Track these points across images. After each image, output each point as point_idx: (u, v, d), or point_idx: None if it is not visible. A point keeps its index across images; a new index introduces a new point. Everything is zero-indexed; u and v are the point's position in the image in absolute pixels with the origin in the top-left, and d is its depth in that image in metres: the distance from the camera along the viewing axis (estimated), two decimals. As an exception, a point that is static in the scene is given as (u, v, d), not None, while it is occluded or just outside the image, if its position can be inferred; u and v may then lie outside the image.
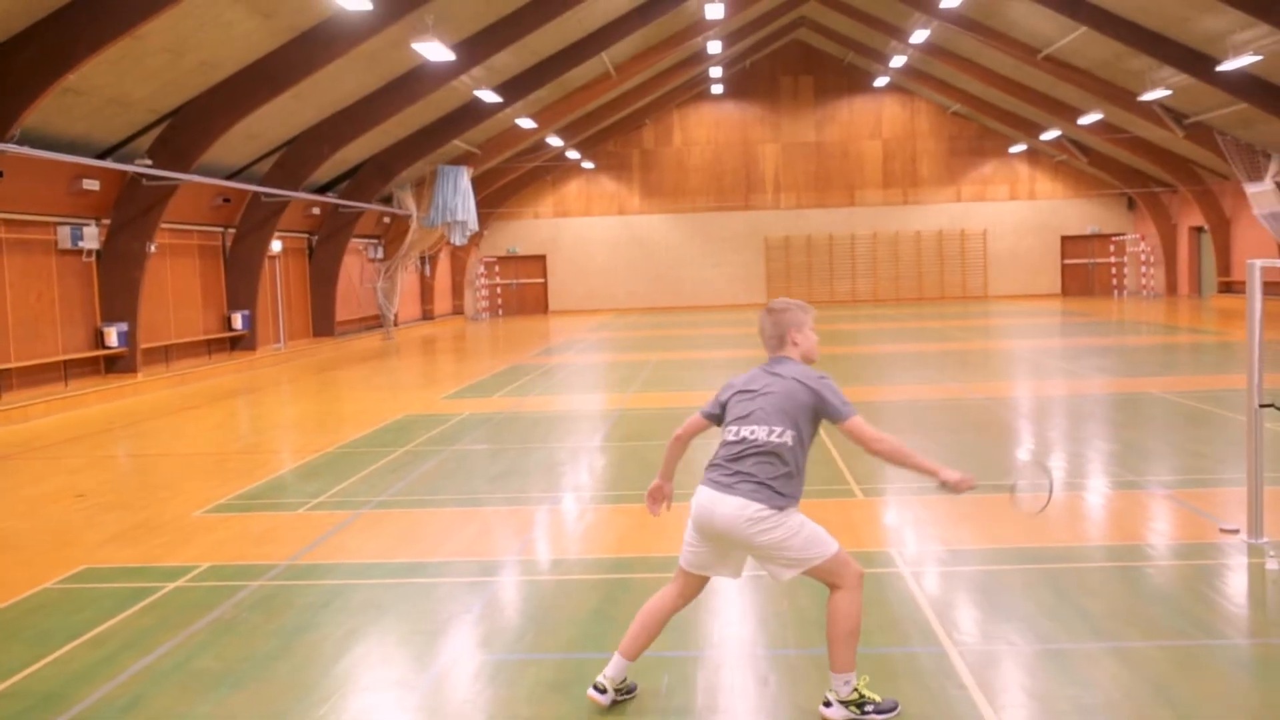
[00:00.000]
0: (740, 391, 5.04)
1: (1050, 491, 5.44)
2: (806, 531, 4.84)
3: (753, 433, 4.86)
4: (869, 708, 4.89)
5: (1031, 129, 40.73)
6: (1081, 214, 45.12)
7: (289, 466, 12.06)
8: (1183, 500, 9.02)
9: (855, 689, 4.90)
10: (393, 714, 5.23)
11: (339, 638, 6.25)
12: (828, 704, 4.94)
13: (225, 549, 8.37)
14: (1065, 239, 45.33)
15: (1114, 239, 44.89)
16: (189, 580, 7.52)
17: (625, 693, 5.20)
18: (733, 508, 4.80)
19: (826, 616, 4.93)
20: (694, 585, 5.16)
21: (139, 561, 8.08)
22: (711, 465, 4.98)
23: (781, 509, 4.79)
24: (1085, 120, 34.26)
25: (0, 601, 7.12)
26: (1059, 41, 29.04)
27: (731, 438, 4.95)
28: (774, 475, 4.80)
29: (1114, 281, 45.03)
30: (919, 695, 5.20)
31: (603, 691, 5.08)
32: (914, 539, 8.14)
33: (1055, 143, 41.12)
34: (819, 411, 4.87)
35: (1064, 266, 45.48)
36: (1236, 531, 7.78)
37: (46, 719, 5.20)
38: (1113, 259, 45.03)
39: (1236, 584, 6.86)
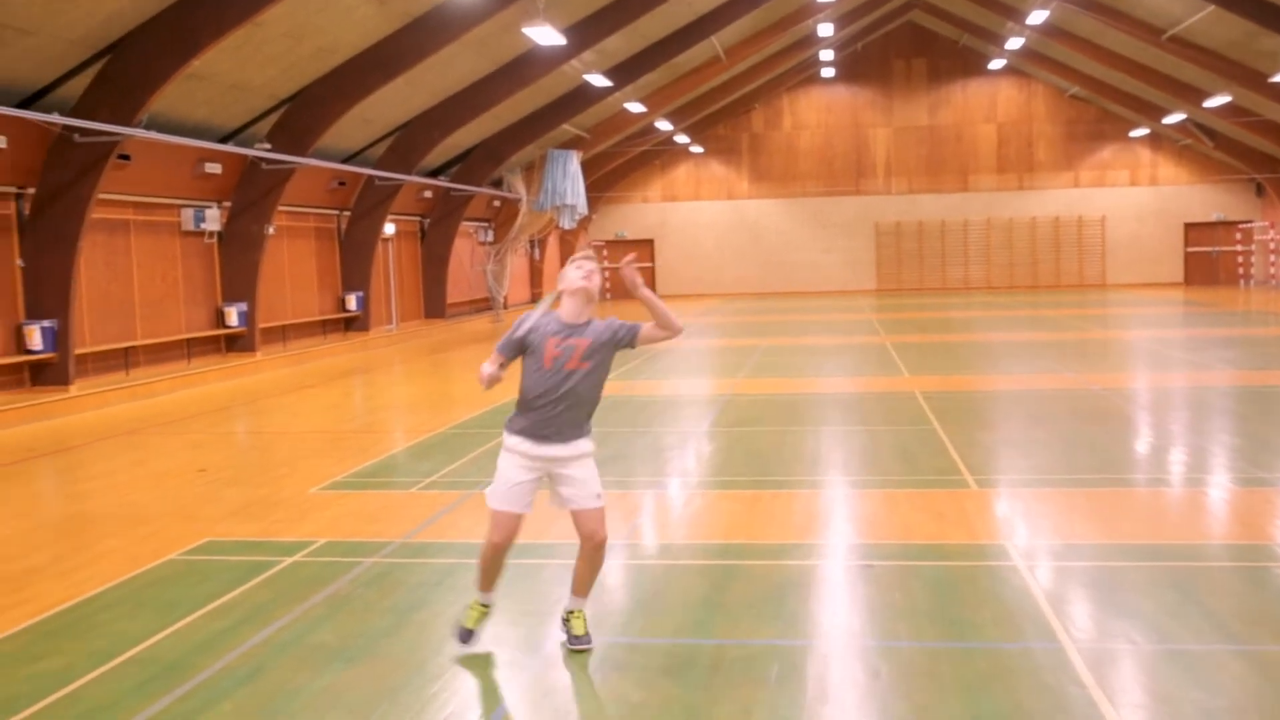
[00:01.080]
0: None
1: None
2: (498, 473, 5.59)
3: None
4: (464, 632, 5.71)
5: (1154, 112, 39.47)
6: (1206, 200, 43.63)
7: (402, 446, 12.27)
8: (1314, 498, 8.68)
9: (472, 605, 5.77)
10: (504, 694, 5.29)
11: (451, 616, 6.32)
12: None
13: (340, 526, 8.54)
14: (1189, 226, 43.88)
15: (1240, 226, 43.31)
16: (306, 555, 7.69)
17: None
18: None
19: None
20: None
21: (258, 536, 8.30)
22: None
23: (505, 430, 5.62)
24: (1212, 103, 33.05)
25: (129, 571, 7.37)
26: (1185, 21, 28.05)
27: None
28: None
29: (1240, 271, 43.47)
30: (1035, 693, 5.07)
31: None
32: (1028, 532, 7.96)
33: (1179, 126, 39.76)
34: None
35: (1187, 255, 44.05)
36: (1373, 532, 7.45)
37: (171, 687, 5.36)
38: (1239, 247, 43.46)
39: (1373, 587, 6.57)
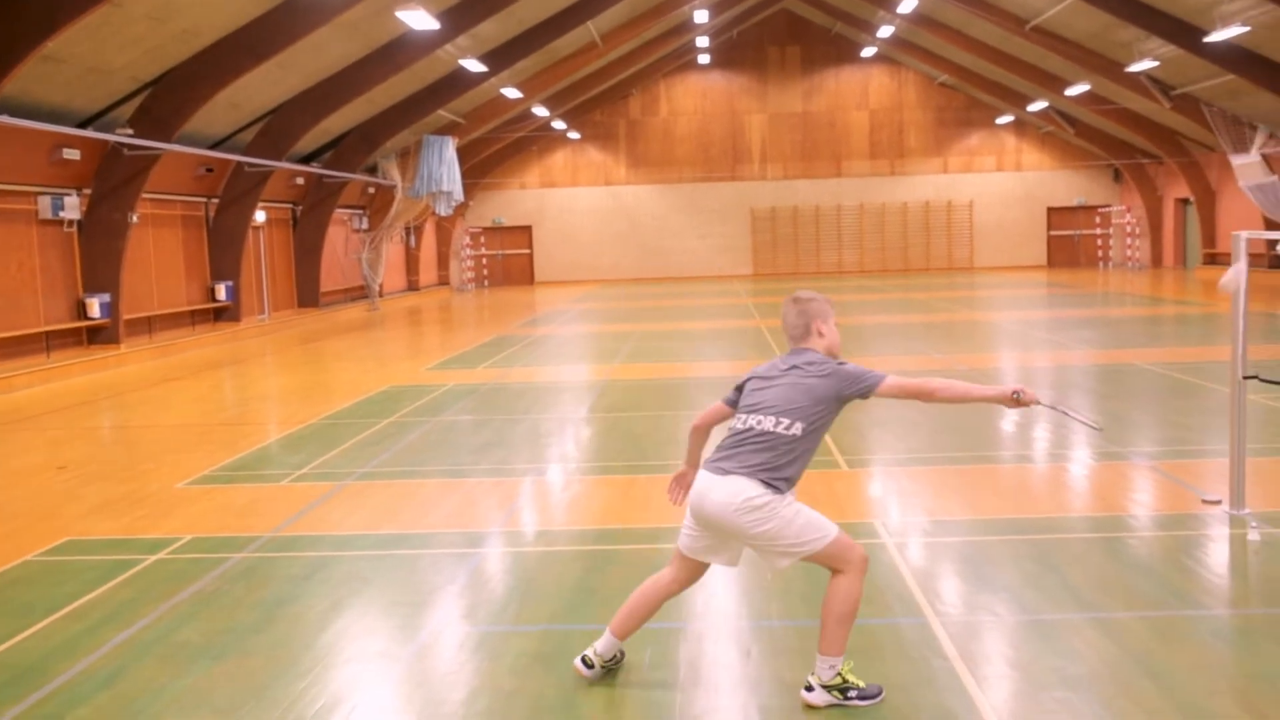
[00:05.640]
0: (757, 379, 5.00)
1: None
2: (801, 520, 4.74)
3: (760, 422, 4.79)
4: (852, 693, 4.78)
5: (1019, 100, 40.67)
6: (1068, 185, 45.12)
7: (273, 438, 12.01)
8: (1166, 471, 9.05)
9: (839, 674, 4.79)
10: (376, 686, 5.22)
11: (322, 610, 6.23)
12: (809, 688, 4.81)
13: (208, 521, 8.33)
14: (1051, 210, 45.34)
15: (1100, 210, 44.92)
16: (171, 552, 7.49)
17: (613, 663, 5.20)
18: (724, 494, 4.72)
19: (825, 595, 4.83)
20: (691, 570, 5.08)
21: (121, 534, 8.04)
22: (715, 450, 4.93)
23: (773, 495, 4.70)
24: (1072, 91, 34.20)
25: (-19, 574, 7.08)
26: (1047, 12, 28.95)
27: (739, 425, 4.88)
28: (771, 464, 4.72)
29: (1099, 253, 45.09)
30: (901, 666, 5.20)
31: (590, 666, 5.07)
32: (898, 510, 8.15)
33: (1042, 114, 41.06)
34: (843, 397, 4.80)
35: (1050, 238, 45.51)
36: (1219, 502, 7.80)
37: (27, 692, 5.18)
38: (1098, 230, 45.07)
39: (1218, 555, 6.89)
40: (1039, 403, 5.01)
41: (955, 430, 11.20)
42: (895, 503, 8.40)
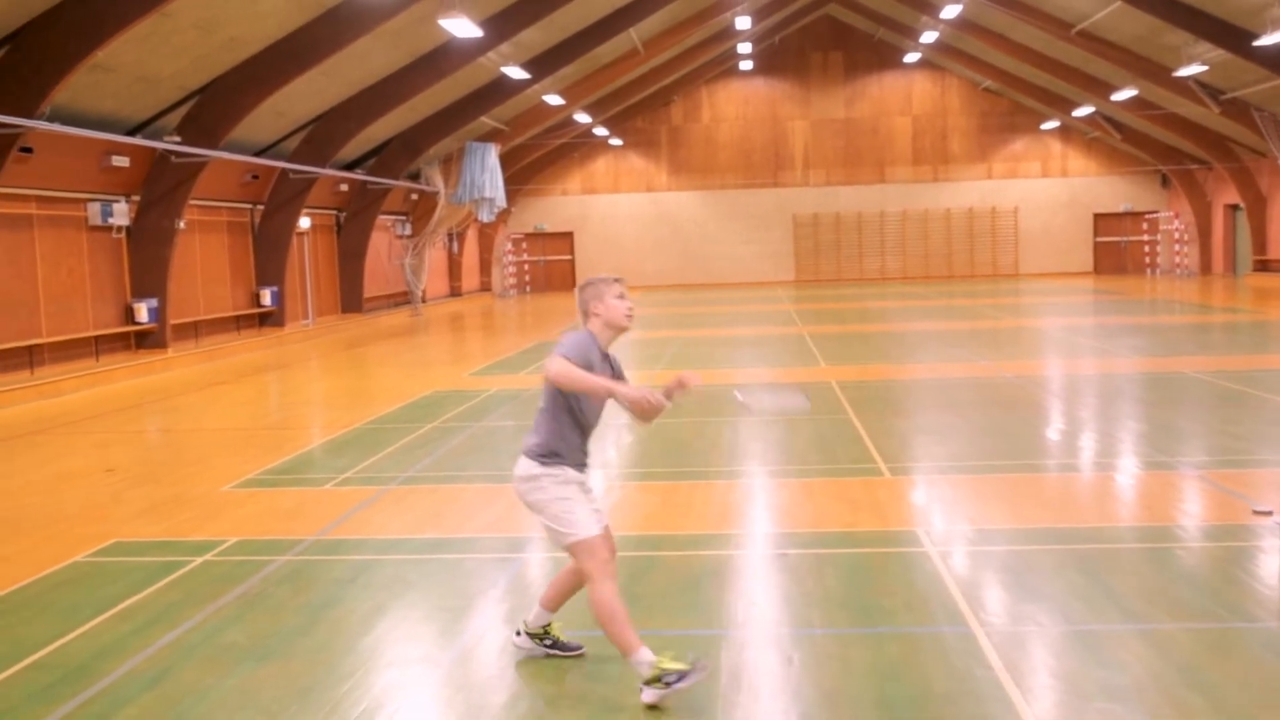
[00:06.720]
0: None
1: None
2: (562, 506, 5.04)
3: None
4: (671, 678, 4.84)
5: (1064, 105, 40.27)
6: (1115, 191, 44.64)
7: (317, 442, 12.11)
8: (1215, 481, 8.92)
9: (654, 665, 4.85)
10: (418, 689, 5.24)
11: (365, 613, 6.26)
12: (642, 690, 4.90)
13: (253, 524, 8.41)
14: (1098, 216, 44.89)
15: (1147, 216, 44.40)
16: (217, 555, 7.56)
17: (563, 648, 5.46)
18: (516, 469, 5.19)
19: None
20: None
21: (168, 536, 8.13)
22: None
23: (541, 469, 5.06)
24: (1119, 96, 33.82)
25: (31, 575, 7.18)
26: (1094, 16, 28.65)
27: None
28: (535, 440, 5.12)
29: (1147, 260, 44.56)
30: (944, 676, 5.16)
31: (517, 634, 5.52)
32: (941, 518, 8.08)
33: (1088, 119, 40.63)
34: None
35: (1096, 244, 45.05)
36: (1270, 514, 7.68)
37: (75, 691, 5.24)
38: (1146, 237, 44.55)
39: (1269, 566, 6.77)
40: (658, 405, 4.87)
41: (998, 437, 11.10)
42: (938, 511, 8.33)
